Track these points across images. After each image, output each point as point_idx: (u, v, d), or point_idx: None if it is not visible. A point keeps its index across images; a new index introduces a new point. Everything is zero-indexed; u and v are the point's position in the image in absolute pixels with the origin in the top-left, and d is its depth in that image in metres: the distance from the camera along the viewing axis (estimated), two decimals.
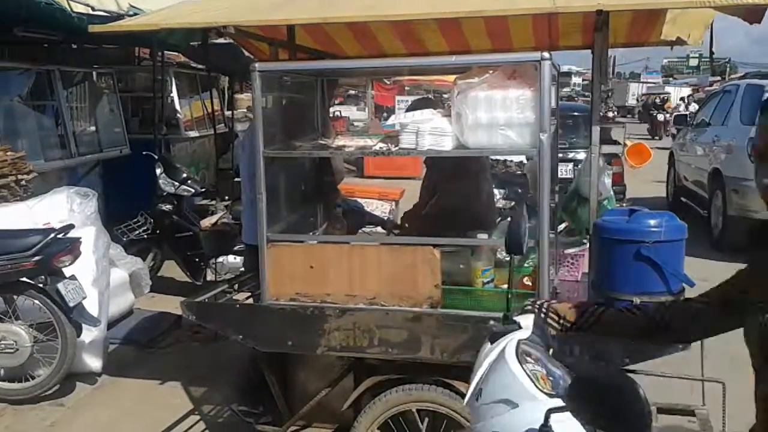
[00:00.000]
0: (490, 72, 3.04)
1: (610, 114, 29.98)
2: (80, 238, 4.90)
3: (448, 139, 3.08)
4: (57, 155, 7.75)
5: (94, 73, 9.11)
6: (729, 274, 1.81)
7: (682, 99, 36.85)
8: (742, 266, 1.76)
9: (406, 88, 21.60)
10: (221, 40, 9.03)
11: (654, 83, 51.58)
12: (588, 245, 3.81)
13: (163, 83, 9.59)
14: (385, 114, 21.31)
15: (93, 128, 8.74)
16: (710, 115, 10.10)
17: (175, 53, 11.10)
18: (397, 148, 3.16)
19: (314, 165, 4.04)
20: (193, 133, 10.56)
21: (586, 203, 3.57)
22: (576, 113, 10.18)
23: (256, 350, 3.44)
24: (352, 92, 22.84)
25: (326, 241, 3.46)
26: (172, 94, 10.18)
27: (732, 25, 3.73)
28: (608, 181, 3.52)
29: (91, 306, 5.06)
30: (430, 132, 3.07)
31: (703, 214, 9.18)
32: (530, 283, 3.13)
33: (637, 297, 2.91)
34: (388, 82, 22.38)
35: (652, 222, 2.91)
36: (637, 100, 42.51)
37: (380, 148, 3.18)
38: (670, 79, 51.41)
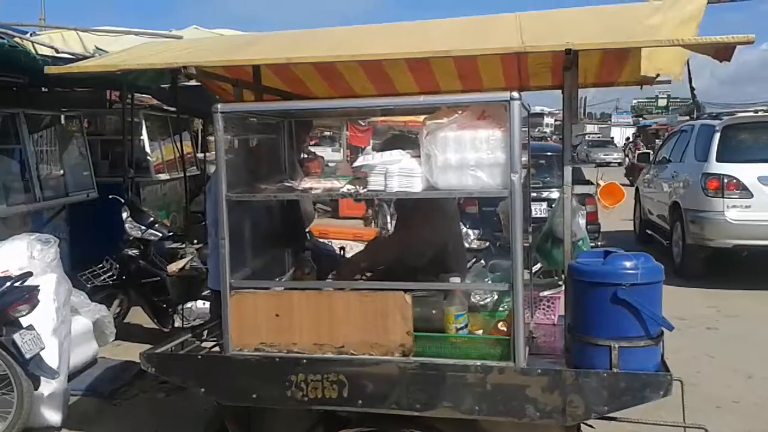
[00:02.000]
0: (459, 112, 2.98)
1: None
2: (38, 286, 4.71)
3: (417, 180, 2.99)
4: (20, 200, 7.53)
5: (62, 116, 8.95)
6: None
7: (627, 139, 38.71)
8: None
9: (379, 128, 21.62)
10: (192, 83, 9.04)
11: (625, 122, 52.78)
12: (563, 288, 3.73)
13: (132, 126, 9.48)
14: (360, 154, 21.27)
15: (60, 172, 8.54)
16: (670, 152, 10.71)
17: (148, 96, 11.04)
18: (365, 189, 3.06)
19: (281, 208, 3.92)
20: (163, 176, 10.41)
21: (560, 244, 3.48)
22: (549, 153, 10.21)
23: (220, 404, 3.27)
24: (327, 133, 22.81)
25: (292, 288, 3.32)
26: (142, 137, 10.07)
27: (699, 65, 3.68)
28: (582, 221, 3.45)
29: (51, 357, 4.85)
30: (398, 173, 2.99)
31: (665, 244, 9.81)
32: (505, 329, 3.02)
33: (614, 342, 2.81)
34: (363, 124, 22.40)
35: (628, 264, 2.83)
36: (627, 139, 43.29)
37: (348, 190, 3.08)
38: (640, 119, 52.62)
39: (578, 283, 2.93)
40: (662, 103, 50.27)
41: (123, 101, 9.39)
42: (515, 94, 2.81)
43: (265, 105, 3.66)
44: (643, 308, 2.77)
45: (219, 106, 3.09)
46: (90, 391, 5.62)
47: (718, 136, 8.69)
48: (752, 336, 6.93)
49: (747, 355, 6.30)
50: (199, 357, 3.30)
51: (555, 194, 7.92)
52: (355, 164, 3.09)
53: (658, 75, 4.00)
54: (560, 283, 3.79)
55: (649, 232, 11.23)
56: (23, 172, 7.74)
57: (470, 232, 6.20)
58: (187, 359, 3.32)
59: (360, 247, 8.43)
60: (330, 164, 20.84)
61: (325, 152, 21.31)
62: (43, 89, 9.40)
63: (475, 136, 2.91)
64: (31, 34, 7.21)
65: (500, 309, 3.35)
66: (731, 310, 7.73)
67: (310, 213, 4.42)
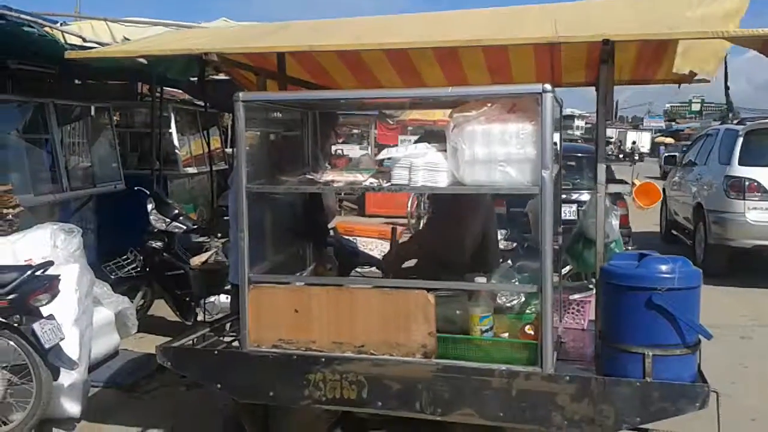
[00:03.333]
0: (489, 105, 2.85)
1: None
2: (59, 275, 4.66)
3: (443, 174, 2.88)
4: (48, 189, 7.56)
5: (92, 108, 8.99)
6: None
7: (633, 142, 38.99)
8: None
9: (409, 128, 21.49)
10: (221, 76, 9.01)
11: (657, 127, 52.06)
12: (595, 291, 3.58)
13: (161, 119, 9.49)
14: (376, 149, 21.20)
15: (87, 163, 8.58)
16: (695, 155, 11.17)
17: (179, 91, 11.08)
18: (388, 183, 2.95)
19: (304, 202, 3.83)
20: (191, 170, 10.42)
21: (591, 245, 3.33)
22: (579, 154, 9.97)
23: (236, 401, 3.19)
24: (355, 131, 22.73)
25: (312, 283, 3.22)
26: (171, 130, 10.07)
27: (735, 70, 3.52)
28: (615, 222, 3.29)
29: (71, 347, 4.81)
30: (423, 167, 2.87)
31: (689, 244, 10.21)
32: (533, 332, 2.89)
33: (648, 349, 2.67)
34: (391, 122, 22.29)
35: (664, 267, 2.68)
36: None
37: (371, 183, 2.97)
38: (673, 123, 51.85)
39: (611, 286, 2.79)
40: (696, 107, 49.44)
41: (152, 94, 9.39)
42: (548, 86, 2.69)
43: (287, 94, 3.57)
44: (679, 315, 2.62)
45: (240, 94, 3.01)
46: (110, 383, 5.58)
47: (740, 140, 9.01)
48: None
49: None
50: (216, 352, 3.22)
51: (585, 196, 7.74)
52: (379, 156, 2.99)
53: (695, 74, 3.84)
54: (591, 286, 3.65)
55: (674, 232, 11.54)
56: (51, 162, 7.77)
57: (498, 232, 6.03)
58: (204, 354, 3.25)
59: (385, 246, 8.43)
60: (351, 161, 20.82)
61: (353, 150, 21.24)
62: (76, 81, 9.47)
63: (504, 129, 2.78)
64: (61, 24, 7.20)
65: (527, 312, 3.21)
66: (766, 319, 7.51)
67: (333, 208, 4.32)
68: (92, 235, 8.40)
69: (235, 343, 3.36)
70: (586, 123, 57.33)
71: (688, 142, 17.66)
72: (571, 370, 2.89)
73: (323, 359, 2.98)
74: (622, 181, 8.06)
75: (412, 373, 2.89)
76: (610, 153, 34.70)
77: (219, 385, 3.13)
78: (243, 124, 3.02)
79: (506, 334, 3.04)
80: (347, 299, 3.00)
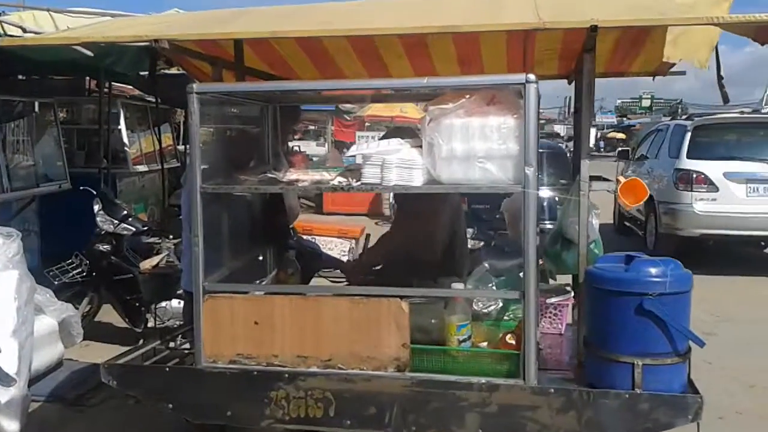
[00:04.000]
0: (467, 97, 2.64)
1: None
2: None
3: (418, 172, 2.65)
4: None
5: (35, 104, 8.52)
6: None
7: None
8: None
9: (367, 124, 21.29)
10: (173, 71, 8.64)
11: (609, 122, 52.93)
12: (572, 294, 3.40)
13: (110, 115, 9.08)
14: (345, 150, 20.96)
15: (30, 161, 8.12)
16: (647, 150, 11.68)
17: (130, 87, 10.66)
18: (358, 183, 2.71)
19: (264, 202, 3.55)
20: (142, 168, 10.02)
21: (570, 246, 3.16)
22: (540, 150, 9.97)
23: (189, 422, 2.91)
24: (312, 127, 22.44)
25: (274, 292, 2.96)
26: (120, 127, 9.65)
27: (684, 66, 3.50)
28: (596, 222, 3.11)
29: (9, 361, 4.45)
30: (397, 164, 2.64)
31: (641, 235, 10.67)
32: (514, 342, 2.68)
33: (638, 359, 2.49)
34: (348, 118, 22.08)
35: (655, 270, 2.51)
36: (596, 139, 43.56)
37: (339, 182, 2.73)
38: (624, 119, 52.69)
39: (598, 291, 2.60)
40: (646, 103, 50.23)
41: (100, 89, 8.97)
42: (531, 76, 2.49)
43: (246, 85, 3.28)
44: (671, 321, 2.45)
45: (194, 86, 2.74)
46: (53, 397, 5.23)
47: (689, 135, 9.50)
48: (750, 343, 6.68)
49: (746, 363, 6.02)
50: (167, 369, 2.93)
51: (546, 193, 7.69)
52: (349, 153, 2.75)
53: (674, 64, 3.69)
54: (568, 288, 3.47)
55: (627, 224, 11.97)
56: None
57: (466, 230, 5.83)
58: (153, 372, 2.97)
59: (345, 245, 8.18)
60: (314, 159, 20.54)
61: (309, 147, 20.97)
62: (20, 77, 9.02)
63: (484, 123, 2.58)
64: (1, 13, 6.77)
65: (506, 318, 3.01)
66: (727, 312, 7.52)
67: (295, 208, 4.05)
68: (36, 238, 7.97)
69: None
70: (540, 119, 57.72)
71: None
72: (554, 382, 2.69)
73: (286, 375, 2.73)
74: (600, 178, 8.12)
75: (384, 389, 2.66)
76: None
77: (171, 405, 2.86)
78: (197, 119, 2.75)
79: (485, 344, 2.82)
80: (312, 309, 2.75)
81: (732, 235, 9.20)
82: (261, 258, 3.55)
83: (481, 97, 2.62)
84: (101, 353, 5.86)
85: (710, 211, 9.02)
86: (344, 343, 2.71)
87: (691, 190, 9.12)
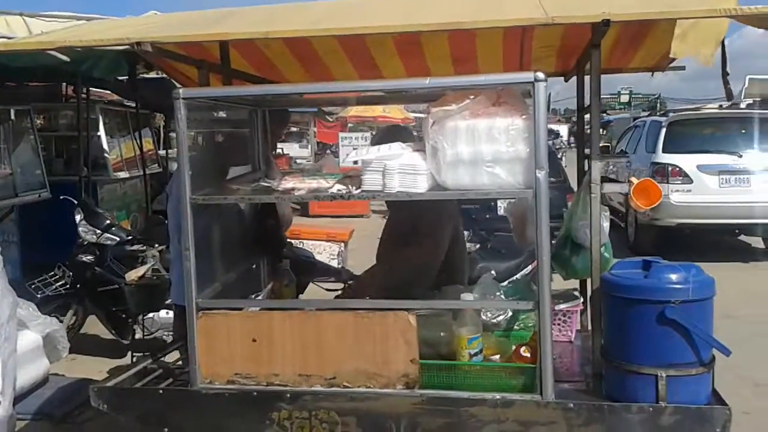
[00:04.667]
0: (471, 97, 2.50)
1: None
2: None
3: (422, 178, 2.51)
4: None
5: (11, 111, 8.27)
6: None
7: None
8: None
9: (349, 125, 21.11)
10: (153, 75, 8.43)
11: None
12: (581, 300, 3.28)
13: (89, 122, 8.85)
14: (329, 151, 20.75)
15: (7, 170, 7.87)
16: (626, 145, 12.17)
17: (108, 92, 10.42)
18: (359, 191, 2.56)
19: (256, 211, 3.39)
20: (123, 174, 9.80)
21: (580, 251, 3.03)
22: None
23: None
24: (294, 129, 22.21)
25: (271, 307, 2.80)
26: (99, 133, 9.42)
27: (681, 63, 3.44)
28: (606, 224, 2.98)
29: None
30: (399, 170, 2.49)
31: (622, 226, 11.04)
32: (528, 354, 2.55)
33: (662, 370, 2.36)
34: (330, 119, 21.88)
35: (676, 276, 2.38)
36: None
37: (338, 191, 2.57)
38: (604, 115, 53.08)
39: (615, 299, 2.47)
40: (624, 99, 50.42)
41: (78, 95, 8.74)
42: (540, 75, 2.36)
43: (235, 90, 3.12)
44: (695, 329, 2.32)
45: (181, 91, 2.57)
46: (40, 414, 5.01)
47: (664, 130, 10.00)
48: (750, 340, 6.60)
49: (749, 361, 5.94)
50: (161, 391, 2.77)
51: None
52: (348, 158, 2.60)
53: (672, 60, 3.58)
54: (576, 294, 3.35)
55: (610, 216, 12.69)
56: None
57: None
58: (146, 394, 2.80)
59: (334, 249, 8.02)
60: (297, 161, 20.31)
61: (293, 149, 20.76)
62: None
63: (491, 125, 2.44)
64: None
65: (516, 328, 2.88)
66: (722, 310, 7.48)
67: (289, 216, 3.89)
68: (16, 249, 7.75)
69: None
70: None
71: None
72: (572, 395, 2.56)
73: (288, 395, 2.58)
74: (611, 179, 8.19)
75: (393, 407, 2.52)
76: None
77: (166, 430, 2.69)
78: (185, 125, 2.59)
79: (497, 357, 2.68)
80: (314, 324, 2.60)
81: (706, 224, 9.64)
82: (254, 269, 3.39)
83: (487, 97, 2.49)
84: (89, 366, 5.70)
85: (685, 202, 9.41)
86: (349, 359, 2.56)
87: (668, 182, 9.44)
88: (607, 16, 2.29)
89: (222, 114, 3.18)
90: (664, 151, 9.83)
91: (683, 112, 11.40)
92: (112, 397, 2.77)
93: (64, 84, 9.93)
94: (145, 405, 2.76)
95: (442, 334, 2.67)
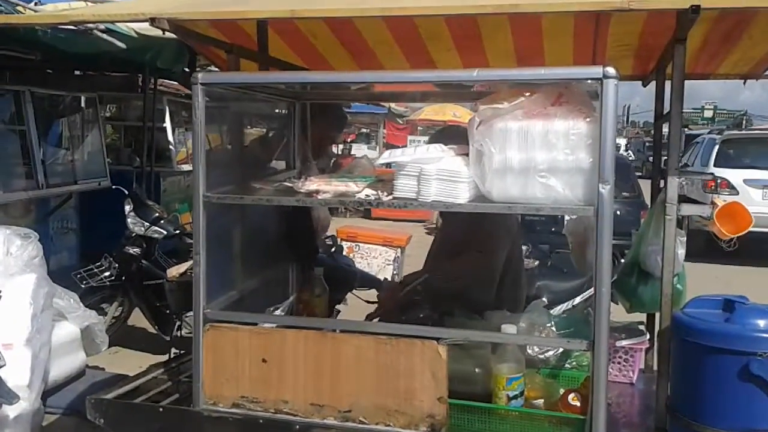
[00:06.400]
0: (526, 95, 2.12)
1: None
2: None
3: (463, 186, 2.15)
4: (20, 186, 6.89)
5: (80, 98, 8.33)
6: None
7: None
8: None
9: (419, 128, 20.80)
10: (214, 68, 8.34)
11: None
12: (647, 337, 2.84)
13: (154, 112, 8.85)
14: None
15: (69, 157, 7.91)
16: (687, 158, 13.03)
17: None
18: (389, 197, 2.22)
19: (286, 212, 3.09)
20: (187, 167, 9.74)
21: (649, 280, 2.61)
22: None
23: None
24: (363, 130, 22.09)
25: (286, 325, 2.49)
26: (165, 125, 9.40)
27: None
28: (682, 251, 2.55)
29: (18, 373, 4.11)
30: (437, 176, 2.14)
31: None
32: (578, 403, 2.15)
33: None
34: (400, 122, 21.68)
35: (765, 323, 1.95)
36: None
37: (366, 196, 2.24)
38: (686, 129, 51.56)
39: (688, 345, 2.05)
40: (708, 114, 48.63)
41: (145, 86, 8.77)
42: (611, 70, 1.97)
43: (260, 76, 2.78)
44: None
45: (199, 75, 2.29)
46: (71, 409, 4.90)
47: (717, 147, 11.29)
48: None
49: None
50: (161, 410, 2.50)
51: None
52: (380, 160, 2.27)
53: None
54: (641, 328, 2.92)
55: None
56: (25, 156, 7.09)
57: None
58: (145, 411, 2.54)
59: (389, 254, 7.71)
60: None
61: (361, 150, 20.63)
62: (76, 72, 8.88)
63: (548, 128, 2.06)
64: (35, 3, 6.51)
65: (567, 366, 2.48)
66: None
67: (325, 219, 3.58)
68: (74, 236, 7.77)
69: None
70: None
71: None
72: None
73: (297, 426, 2.27)
74: (691, 200, 7.75)
75: None
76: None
77: None
78: (202, 115, 2.31)
79: (541, 401, 2.29)
80: (330, 347, 2.28)
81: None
82: (281, 277, 3.10)
83: (545, 95, 2.11)
84: (130, 361, 5.57)
85: None
86: (368, 391, 2.23)
87: (717, 193, 10.29)
88: (697, 1, 1.88)
89: (253, 105, 2.90)
90: (715, 165, 11.01)
91: (736, 132, 13.29)
92: (109, 411, 2.53)
93: (140, 75, 10.04)
94: (143, 422, 2.51)
95: (477, 370, 2.30)
